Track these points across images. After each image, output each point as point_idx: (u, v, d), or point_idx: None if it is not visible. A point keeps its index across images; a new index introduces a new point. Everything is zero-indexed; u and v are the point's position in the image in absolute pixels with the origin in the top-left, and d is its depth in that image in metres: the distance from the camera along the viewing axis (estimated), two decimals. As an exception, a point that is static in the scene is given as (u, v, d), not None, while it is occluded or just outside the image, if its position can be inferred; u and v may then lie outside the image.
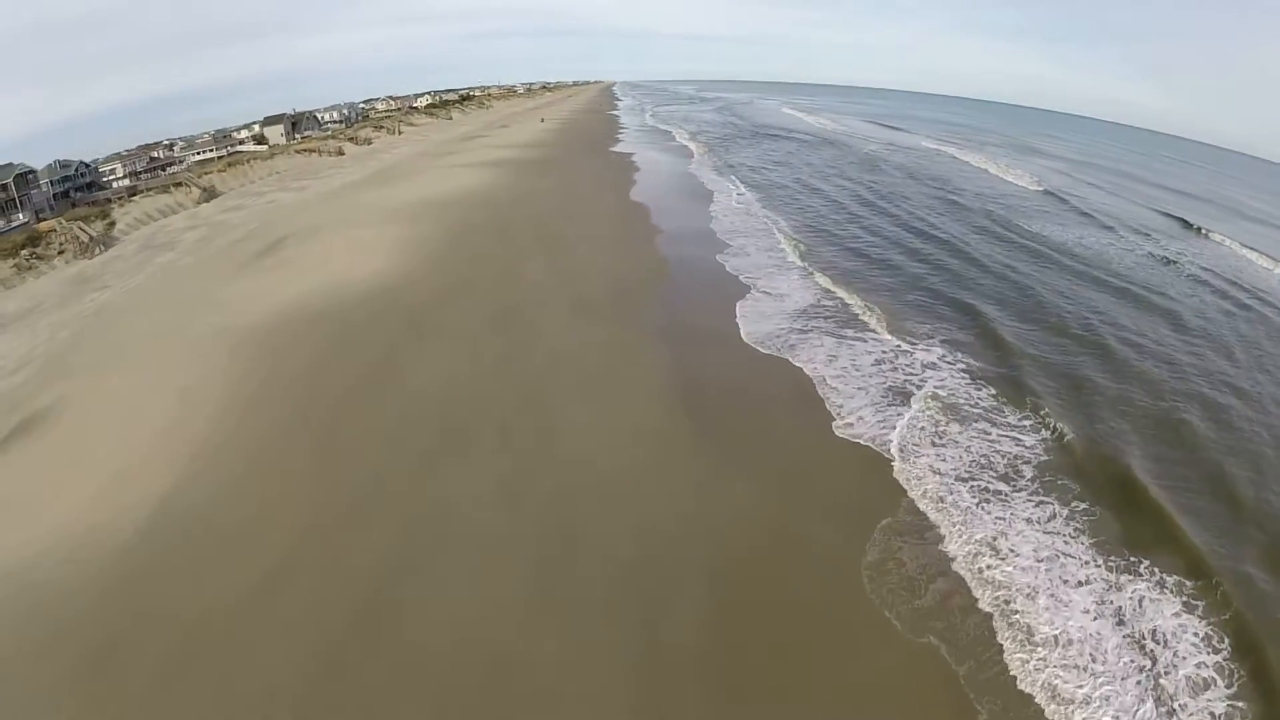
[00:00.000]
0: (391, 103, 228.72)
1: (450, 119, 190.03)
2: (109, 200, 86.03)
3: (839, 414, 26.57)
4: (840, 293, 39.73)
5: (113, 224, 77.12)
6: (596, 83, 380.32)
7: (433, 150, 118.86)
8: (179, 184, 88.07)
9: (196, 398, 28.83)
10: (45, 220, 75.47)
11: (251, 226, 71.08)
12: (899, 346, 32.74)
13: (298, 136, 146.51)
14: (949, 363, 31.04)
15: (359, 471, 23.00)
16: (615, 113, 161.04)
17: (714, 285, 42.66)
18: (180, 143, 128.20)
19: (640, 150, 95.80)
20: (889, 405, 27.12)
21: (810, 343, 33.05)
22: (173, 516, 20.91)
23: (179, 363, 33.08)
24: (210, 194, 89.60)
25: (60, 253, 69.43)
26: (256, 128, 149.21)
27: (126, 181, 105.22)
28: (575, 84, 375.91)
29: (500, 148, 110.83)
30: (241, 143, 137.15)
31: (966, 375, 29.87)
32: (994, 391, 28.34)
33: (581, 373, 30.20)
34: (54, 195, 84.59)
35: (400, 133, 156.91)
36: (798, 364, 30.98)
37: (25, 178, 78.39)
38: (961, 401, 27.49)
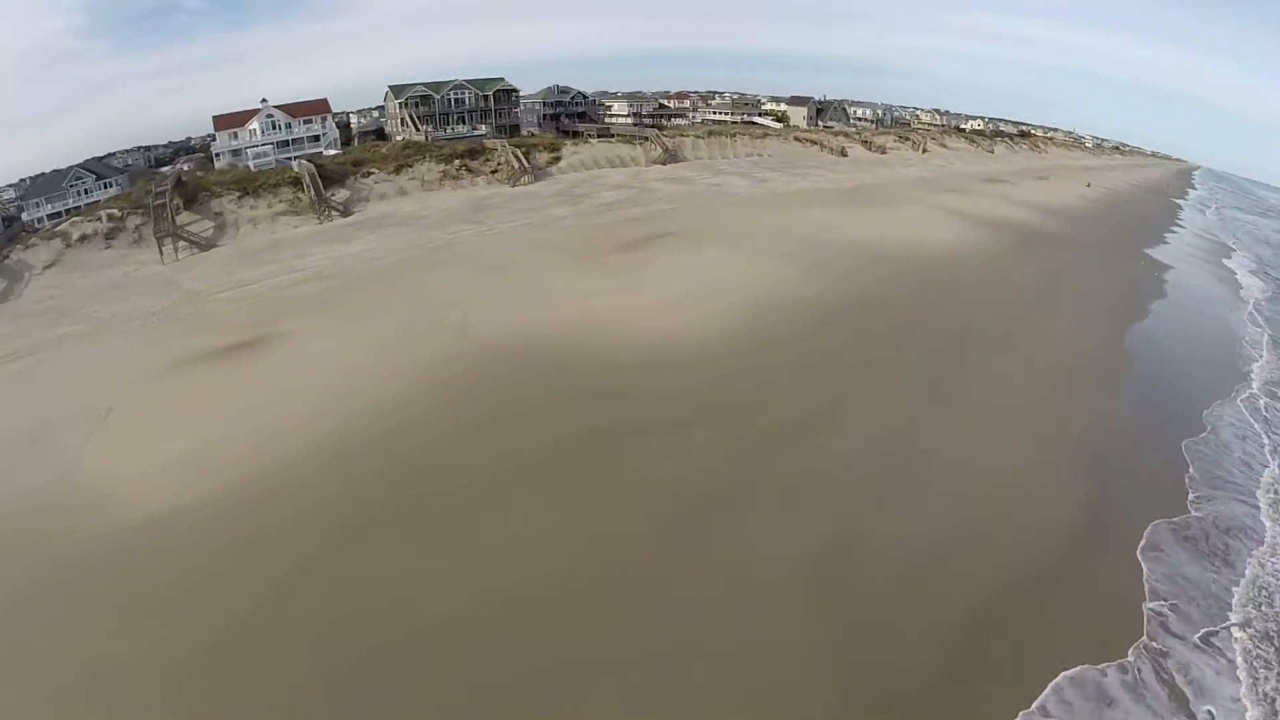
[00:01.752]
0: (936, 117, 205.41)
1: (990, 152, 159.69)
2: (578, 134, 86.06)
3: None
4: None
5: (558, 159, 75.75)
6: (1176, 161, 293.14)
7: (939, 181, 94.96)
8: (645, 139, 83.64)
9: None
10: (512, 138, 77.29)
11: (660, 209, 60.94)
12: None
13: (819, 124, 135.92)
14: None
15: None
16: (1179, 202, 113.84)
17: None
18: (699, 98, 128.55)
19: (1180, 264, 58.23)
20: None
21: None
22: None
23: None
24: (671, 157, 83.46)
25: (493, 172, 69.62)
26: (782, 105, 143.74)
27: (629, 120, 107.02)
28: (1153, 154, 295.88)
29: (1015, 204, 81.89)
30: (761, 114, 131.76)
31: None
32: None
33: None
34: (544, 116, 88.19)
35: (925, 150, 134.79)
36: None
37: (508, 94, 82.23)
38: None
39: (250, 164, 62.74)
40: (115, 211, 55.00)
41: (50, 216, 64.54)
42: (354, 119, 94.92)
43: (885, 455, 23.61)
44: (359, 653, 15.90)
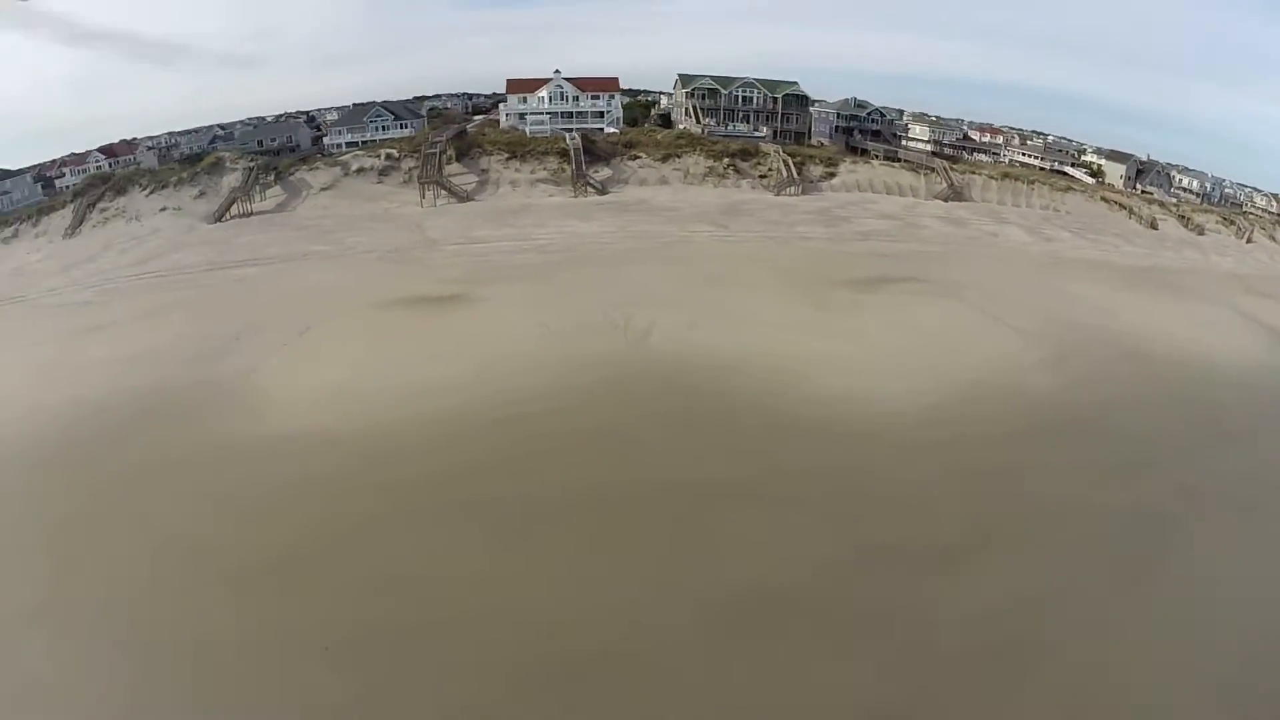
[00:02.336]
0: (1275, 204, 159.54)
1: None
2: (865, 152, 78.90)
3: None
4: None
5: (833, 174, 69.63)
6: None
7: (1255, 281, 69.87)
8: (931, 169, 73.99)
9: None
10: (790, 146, 72.70)
11: (918, 249, 52.71)
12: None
13: (1136, 186, 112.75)
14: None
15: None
16: None
17: None
18: (1013, 135, 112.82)
19: None
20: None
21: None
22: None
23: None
24: (955, 194, 72.99)
25: (761, 177, 65.74)
26: (1098, 159, 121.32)
27: (926, 147, 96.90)
28: None
29: None
30: (1075, 164, 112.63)
31: None
32: None
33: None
34: (836, 128, 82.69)
35: (1249, 240, 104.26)
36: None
37: (799, 100, 77.18)
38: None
39: (528, 129, 66.46)
40: (394, 152, 61.18)
41: (347, 145, 73.73)
42: (664, 100, 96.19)
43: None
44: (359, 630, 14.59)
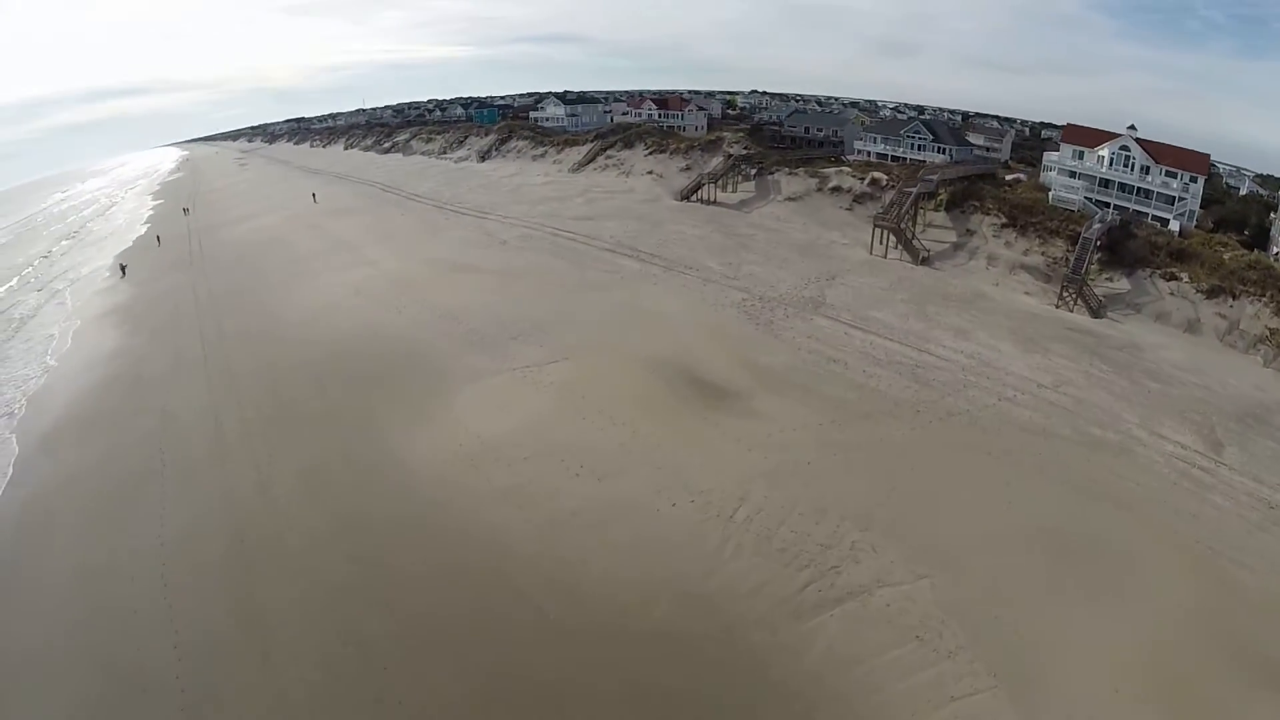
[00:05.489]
0: None
1: None
2: None
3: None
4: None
5: None
6: None
7: None
8: None
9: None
10: None
11: None
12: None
13: None
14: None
15: None
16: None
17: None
18: None
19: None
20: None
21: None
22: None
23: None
24: None
25: None
26: None
27: None
28: None
29: None
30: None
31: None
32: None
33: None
34: None
35: None
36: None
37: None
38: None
39: (1052, 193, 48.97)
40: (882, 178, 51.71)
41: (877, 155, 65.41)
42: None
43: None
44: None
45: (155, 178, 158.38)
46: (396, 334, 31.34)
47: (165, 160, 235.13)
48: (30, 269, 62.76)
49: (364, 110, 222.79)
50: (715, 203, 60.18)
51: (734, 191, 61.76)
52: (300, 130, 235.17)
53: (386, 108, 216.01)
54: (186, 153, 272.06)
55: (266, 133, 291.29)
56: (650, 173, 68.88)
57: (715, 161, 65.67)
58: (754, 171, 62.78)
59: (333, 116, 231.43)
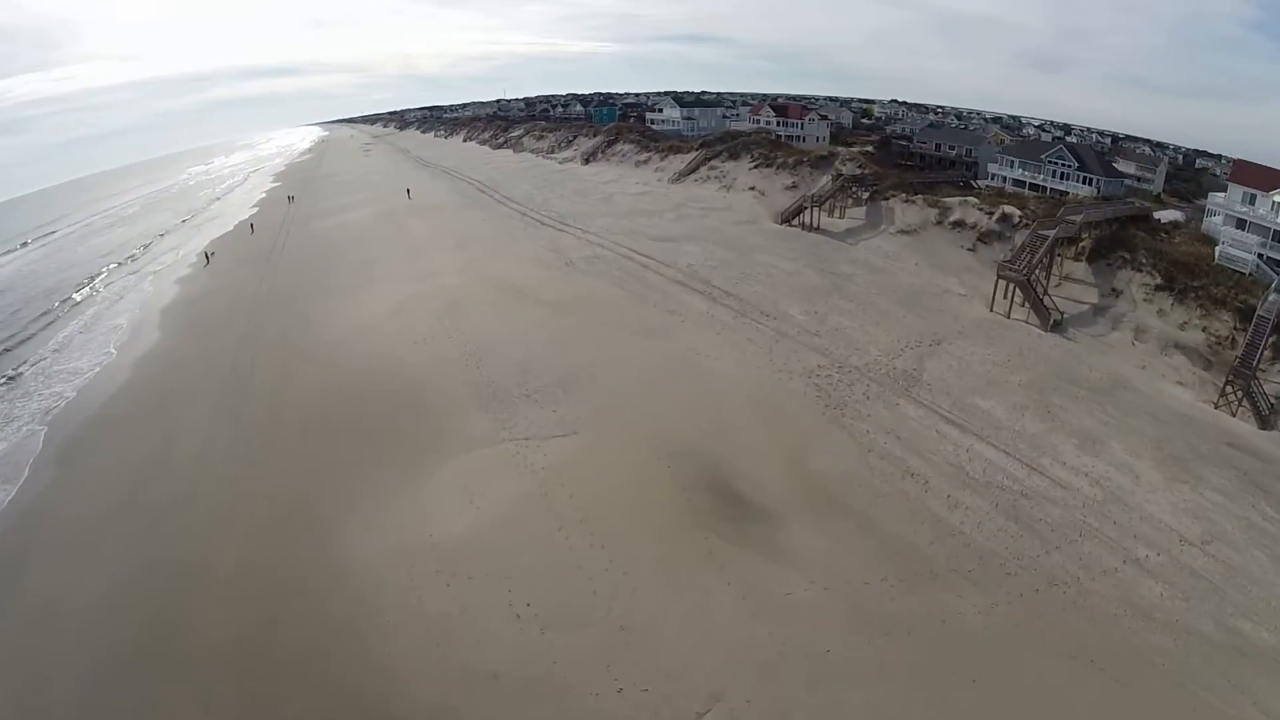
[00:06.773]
0: None
1: None
2: None
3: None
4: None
5: None
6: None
7: None
8: None
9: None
10: None
11: None
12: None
13: None
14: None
15: None
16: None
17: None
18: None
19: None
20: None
21: None
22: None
23: None
24: None
25: None
26: None
27: None
28: None
29: None
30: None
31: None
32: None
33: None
34: None
35: None
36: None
37: None
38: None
39: (1220, 248, 38.87)
40: (1016, 213, 44.49)
41: (1014, 181, 58.26)
42: None
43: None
44: None
45: (286, 158, 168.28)
46: (410, 373, 29.20)
47: (303, 141, 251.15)
48: (138, 250, 67.23)
49: (501, 101, 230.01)
50: (818, 229, 54.46)
51: (841, 217, 55.79)
52: (430, 119, 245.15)
53: (521, 100, 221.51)
54: (326, 133, 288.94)
55: (401, 119, 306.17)
56: (752, 189, 63.77)
57: (824, 180, 59.77)
58: (866, 195, 56.61)
59: (463, 106, 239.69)
